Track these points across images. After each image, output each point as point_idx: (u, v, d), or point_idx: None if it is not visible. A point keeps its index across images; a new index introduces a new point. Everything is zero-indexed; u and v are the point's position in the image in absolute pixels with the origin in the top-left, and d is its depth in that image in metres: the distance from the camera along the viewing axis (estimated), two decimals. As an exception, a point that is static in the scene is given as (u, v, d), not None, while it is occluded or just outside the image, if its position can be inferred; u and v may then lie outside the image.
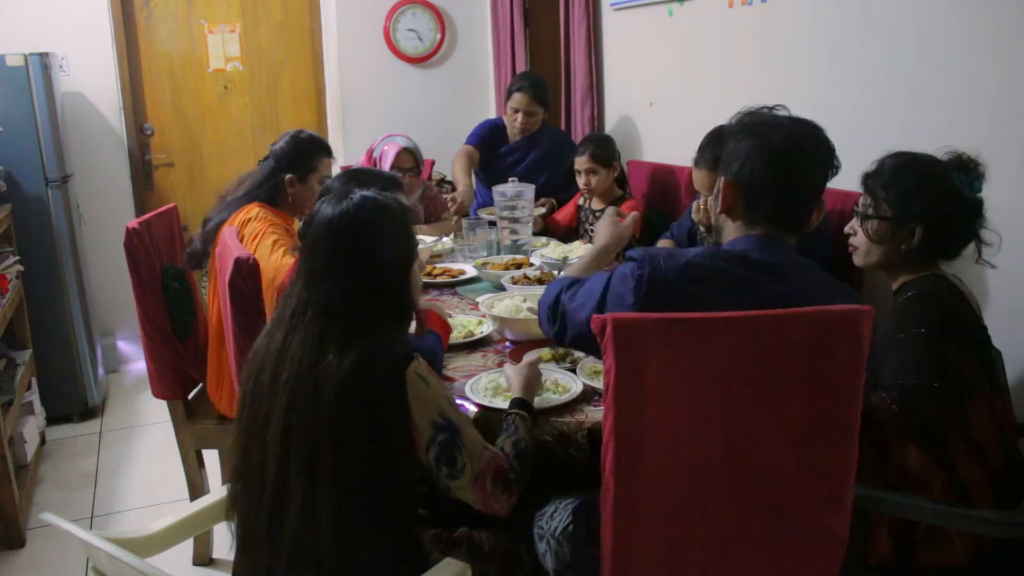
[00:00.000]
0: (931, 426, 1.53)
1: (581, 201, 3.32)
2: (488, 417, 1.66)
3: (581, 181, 3.14)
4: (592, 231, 3.14)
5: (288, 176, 2.29)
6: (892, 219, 1.66)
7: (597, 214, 3.22)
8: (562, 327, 1.48)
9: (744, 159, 1.38)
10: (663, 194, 3.20)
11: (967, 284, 1.72)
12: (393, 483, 1.34)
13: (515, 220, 2.83)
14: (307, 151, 2.33)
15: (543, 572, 1.53)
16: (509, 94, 3.45)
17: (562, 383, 1.73)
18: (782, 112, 1.44)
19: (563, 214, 3.34)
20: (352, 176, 1.92)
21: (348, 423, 1.28)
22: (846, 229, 1.79)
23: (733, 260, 1.34)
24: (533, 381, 1.63)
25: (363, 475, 1.30)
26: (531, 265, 2.52)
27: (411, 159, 3.06)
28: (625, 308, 1.30)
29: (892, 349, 1.57)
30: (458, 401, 1.70)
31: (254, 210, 2.24)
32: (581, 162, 3.12)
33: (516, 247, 2.84)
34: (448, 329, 1.93)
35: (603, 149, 3.12)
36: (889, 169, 1.69)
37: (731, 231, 1.43)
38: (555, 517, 1.53)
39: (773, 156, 1.36)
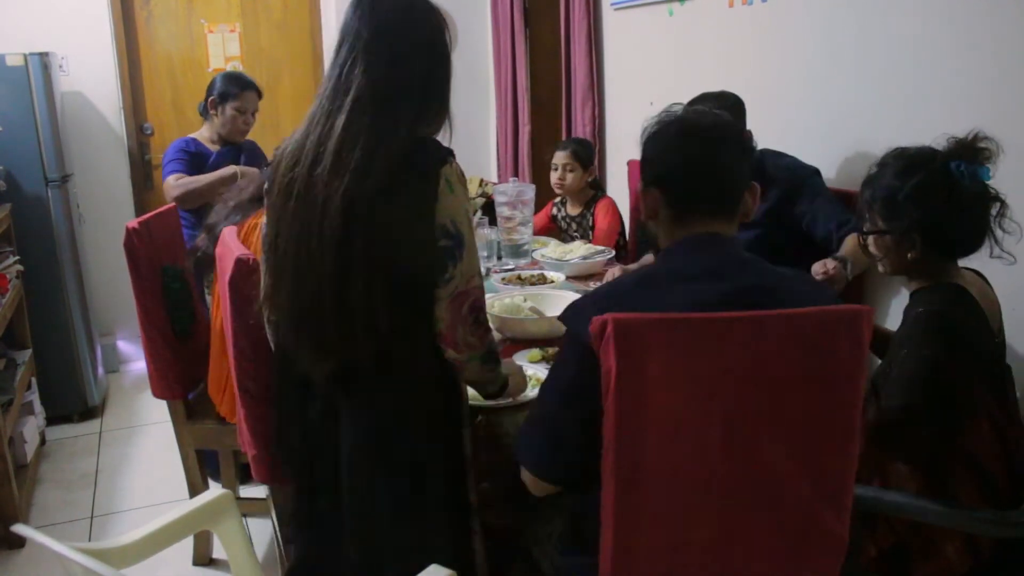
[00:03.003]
0: (921, 448, 1.50)
1: (554, 210, 3.32)
2: (489, 420, 1.66)
3: (555, 176, 3.17)
4: (575, 236, 3.15)
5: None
6: (886, 232, 1.60)
7: (576, 219, 3.23)
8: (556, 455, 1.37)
9: (650, 161, 1.37)
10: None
11: (991, 277, 1.65)
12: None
13: (515, 220, 2.83)
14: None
15: None
16: None
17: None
18: (676, 108, 1.41)
19: (536, 224, 3.26)
20: None
21: (389, 209, 1.35)
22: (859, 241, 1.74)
23: (671, 277, 1.29)
24: (521, 376, 1.69)
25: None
26: (552, 282, 2.51)
27: None
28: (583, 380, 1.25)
29: (895, 363, 1.54)
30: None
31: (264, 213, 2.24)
32: (560, 157, 3.15)
33: (517, 248, 2.83)
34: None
35: (584, 149, 3.18)
36: (877, 176, 1.61)
37: (663, 235, 1.39)
38: (551, 522, 1.53)
39: (673, 146, 1.34)
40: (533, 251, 2.88)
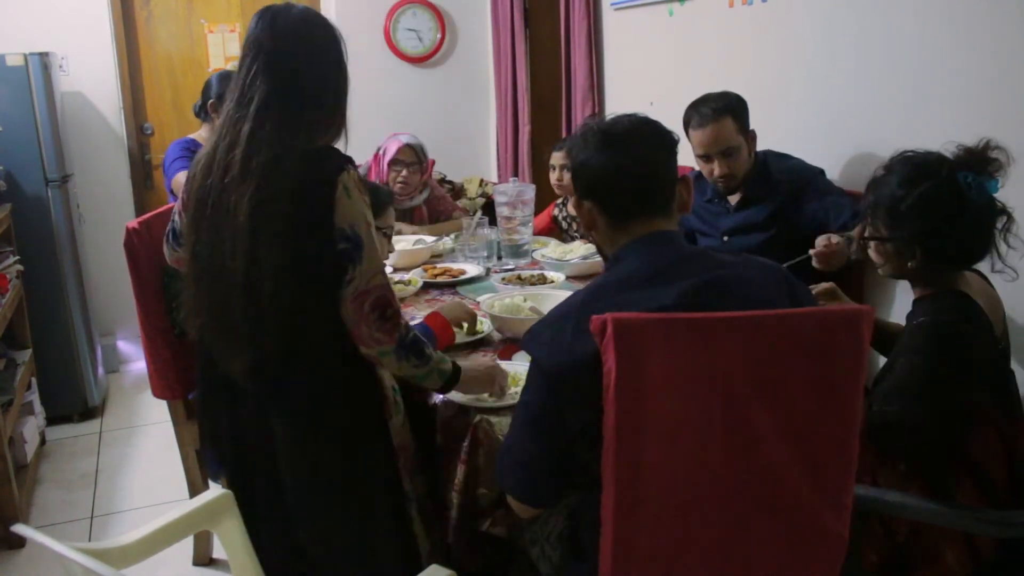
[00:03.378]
0: (918, 455, 1.49)
1: (556, 211, 3.31)
2: (486, 425, 1.66)
3: (554, 176, 3.16)
4: (575, 236, 3.15)
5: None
6: (888, 239, 1.57)
7: (577, 219, 3.21)
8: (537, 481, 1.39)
9: (577, 174, 1.39)
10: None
11: (995, 284, 1.63)
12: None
13: (515, 220, 2.82)
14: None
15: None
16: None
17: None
18: (591, 122, 1.43)
19: (537, 225, 3.25)
20: None
21: (291, 214, 1.43)
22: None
23: (619, 286, 1.30)
24: (486, 375, 1.70)
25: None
26: (552, 282, 2.51)
27: (412, 153, 3.08)
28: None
29: (893, 370, 1.53)
30: (458, 404, 1.70)
31: None
32: (558, 157, 3.13)
33: (517, 248, 2.83)
34: (448, 334, 1.91)
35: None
36: (881, 181, 1.57)
37: (607, 245, 1.41)
38: (548, 522, 1.53)
39: (594, 156, 1.36)
40: (533, 251, 2.88)
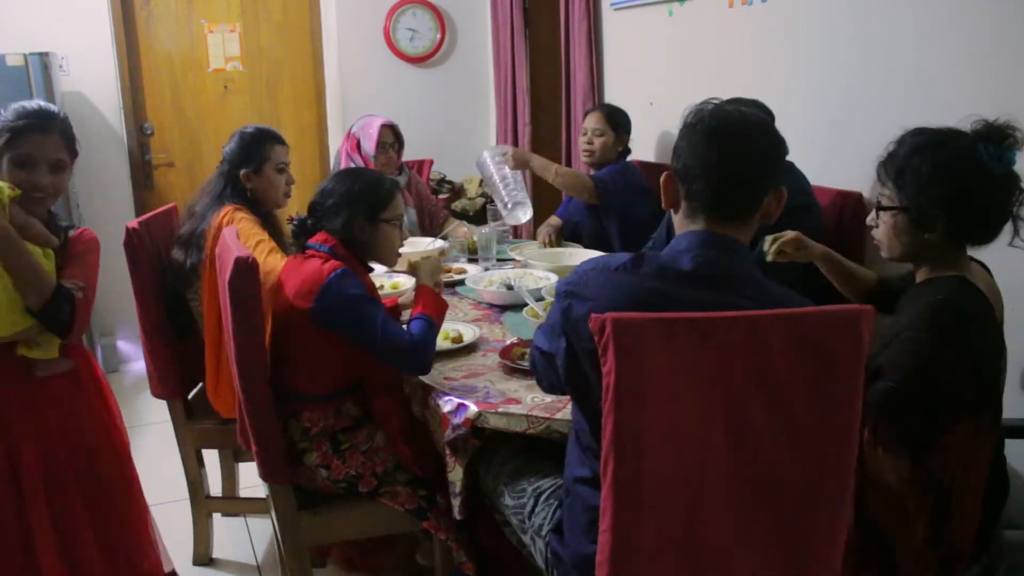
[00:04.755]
0: (911, 437, 1.45)
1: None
2: (487, 431, 1.66)
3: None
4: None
5: (244, 172, 2.32)
6: (910, 209, 1.51)
7: None
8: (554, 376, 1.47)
9: (679, 151, 1.35)
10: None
11: (996, 272, 1.61)
12: None
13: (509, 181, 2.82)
14: (254, 143, 2.36)
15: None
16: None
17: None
18: (711, 102, 1.37)
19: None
20: (345, 177, 1.95)
21: None
22: (868, 221, 1.65)
23: (658, 273, 1.29)
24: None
25: None
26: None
27: (392, 135, 3.09)
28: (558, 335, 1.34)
29: (893, 344, 1.48)
30: (457, 401, 1.70)
31: (229, 212, 2.26)
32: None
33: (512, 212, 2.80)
34: (442, 306, 1.94)
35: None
36: (904, 153, 1.53)
37: (678, 225, 1.38)
38: (537, 514, 1.54)
39: (703, 141, 1.31)
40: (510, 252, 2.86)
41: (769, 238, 1.86)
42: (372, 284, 1.95)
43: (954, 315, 1.46)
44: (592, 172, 3.06)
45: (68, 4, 3.85)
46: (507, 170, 2.98)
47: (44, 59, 3.31)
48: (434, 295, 1.94)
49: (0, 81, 3.20)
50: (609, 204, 2.91)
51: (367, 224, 1.90)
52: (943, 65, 2.11)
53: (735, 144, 1.30)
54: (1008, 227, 1.51)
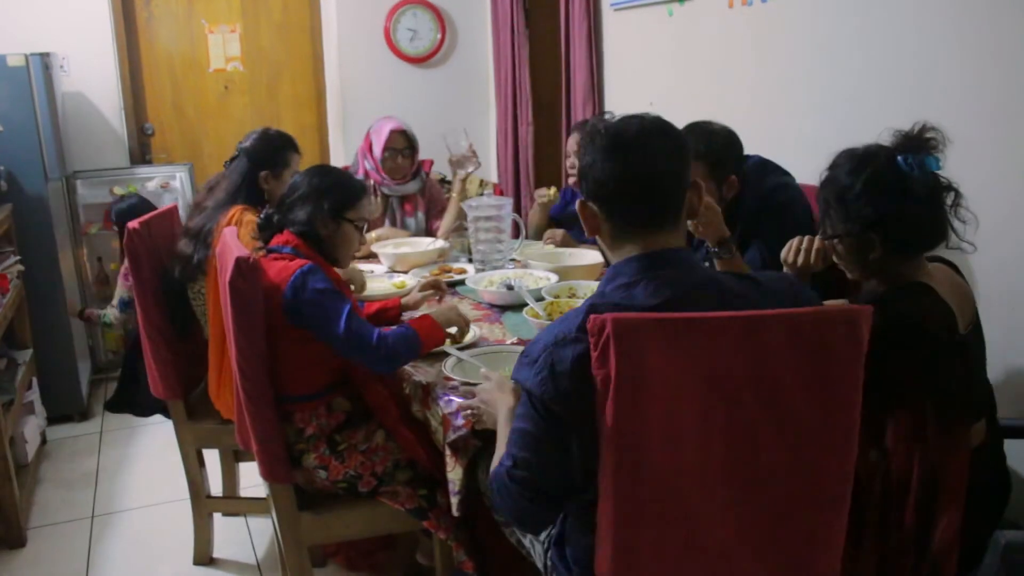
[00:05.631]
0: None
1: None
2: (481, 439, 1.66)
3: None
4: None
5: (264, 173, 2.32)
6: (845, 235, 1.54)
7: None
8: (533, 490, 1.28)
9: (583, 174, 1.30)
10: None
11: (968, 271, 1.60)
12: None
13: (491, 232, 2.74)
14: (280, 147, 2.36)
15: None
16: None
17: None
18: (607, 117, 1.35)
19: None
20: (316, 172, 1.96)
21: None
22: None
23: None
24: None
25: None
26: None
27: (403, 140, 3.06)
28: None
29: None
30: (458, 401, 1.70)
31: (238, 212, 2.25)
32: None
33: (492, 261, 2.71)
34: (437, 336, 1.89)
35: None
36: (828, 179, 1.57)
37: (610, 253, 1.33)
38: None
39: (601, 158, 1.26)
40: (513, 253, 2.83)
41: (795, 244, 1.74)
42: (340, 278, 1.95)
43: (890, 306, 1.44)
44: (567, 193, 3.12)
45: (69, 4, 3.86)
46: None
47: (45, 59, 3.31)
48: (436, 327, 1.89)
49: (1, 81, 3.20)
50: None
51: (330, 220, 1.90)
52: (945, 64, 2.12)
53: (639, 149, 1.26)
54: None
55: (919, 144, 1.52)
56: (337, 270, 1.96)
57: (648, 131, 1.27)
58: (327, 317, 1.78)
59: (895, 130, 1.56)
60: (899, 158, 1.51)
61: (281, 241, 1.91)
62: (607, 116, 1.36)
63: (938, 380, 1.44)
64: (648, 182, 1.26)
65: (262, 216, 1.97)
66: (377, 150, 3.04)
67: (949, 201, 1.53)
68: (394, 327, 1.87)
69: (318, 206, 1.89)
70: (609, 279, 1.29)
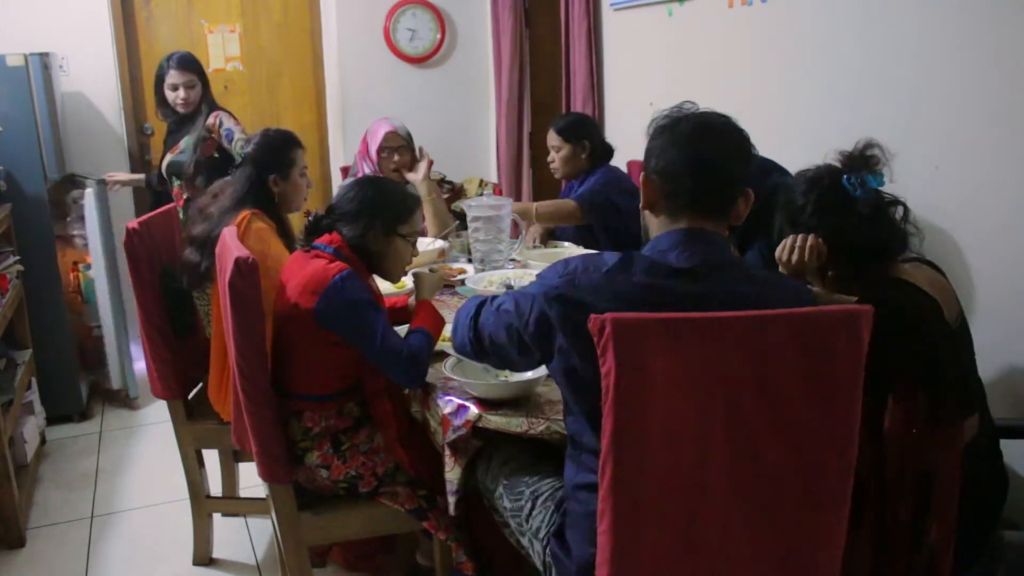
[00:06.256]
0: None
1: None
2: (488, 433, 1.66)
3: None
4: None
5: (272, 176, 2.30)
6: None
7: None
8: (477, 349, 1.58)
9: (658, 152, 1.39)
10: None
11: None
12: None
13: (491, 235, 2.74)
14: (282, 147, 2.34)
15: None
16: None
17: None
18: (690, 107, 1.44)
19: None
20: (369, 185, 1.95)
21: None
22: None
23: (649, 269, 1.31)
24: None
25: None
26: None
27: (398, 139, 3.03)
28: (550, 334, 1.35)
29: None
30: (458, 402, 1.70)
31: (247, 217, 2.24)
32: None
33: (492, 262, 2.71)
34: (440, 322, 1.93)
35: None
36: (784, 204, 1.66)
37: (655, 226, 1.41)
38: (535, 516, 1.54)
39: (683, 141, 1.36)
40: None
41: (790, 242, 1.73)
42: (377, 290, 1.94)
43: (881, 304, 1.41)
44: (573, 186, 3.07)
45: (68, 4, 3.86)
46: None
47: (44, 59, 3.31)
48: (433, 310, 1.94)
49: (0, 81, 3.20)
50: (599, 219, 2.91)
51: (383, 236, 1.89)
52: (945, 64, 2.12)
53: (718, 142, 1.36)
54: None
55: (861, 163, 1.60)
56: None
57: (728, 128, 1.39)
58: (363, 329, 1.78)
59: (839, 151, 1.63)
60: (844, 178, 1.59)
61: (326, 240, 1.89)
62: (687, 106, 1.43)
63: (935, 369, 1.46)
64: (716, 174, 1.36)
65: (309, 220, 1.96)
66: (373, 150, 3.04)
67: (899, 214, 1.60)
68: (408, 334, 1.86)
69: (371, 223, 1.87)
70: (651, 247, 1.38)
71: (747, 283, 1.32)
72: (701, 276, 1.30)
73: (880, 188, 1.59)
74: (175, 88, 3.29)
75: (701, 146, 1.35)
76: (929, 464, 1.43)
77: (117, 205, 4.04)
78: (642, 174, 1.42)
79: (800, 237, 1.71)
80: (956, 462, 1.44)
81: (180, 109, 3.32)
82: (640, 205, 1.43)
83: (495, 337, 1.50)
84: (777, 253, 1.75)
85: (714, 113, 1.41)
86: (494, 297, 1.55)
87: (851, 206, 1.57)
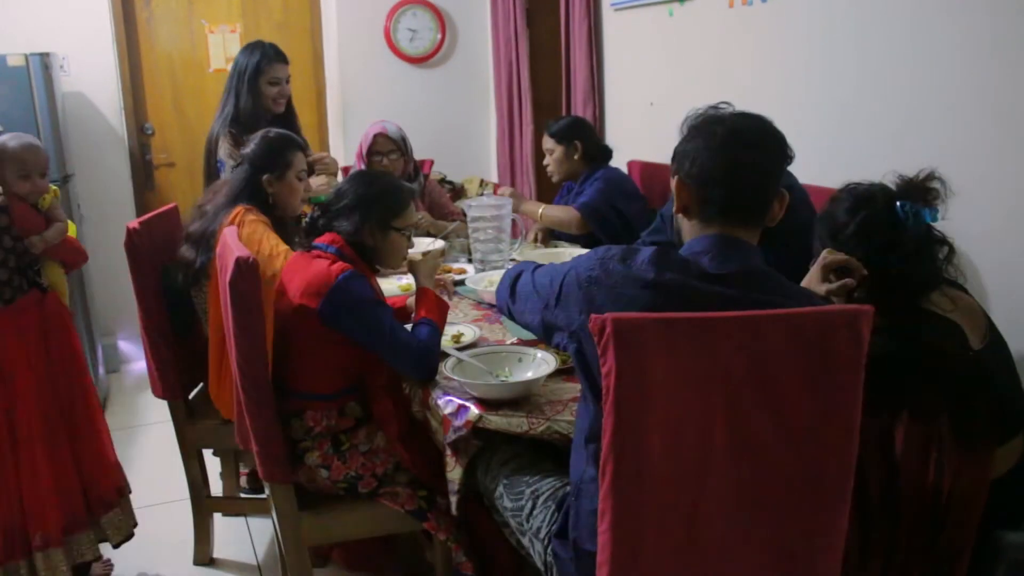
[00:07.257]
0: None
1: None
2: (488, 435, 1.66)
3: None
4: None
5: (266, 177, 2.30)
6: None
7: None
8: (510, 312, 1.61)
9: (692, 156, 1.36)
10: (663, 194, 3.20)
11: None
12: None
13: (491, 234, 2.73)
14: (280, 149, 2.34)
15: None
16: None
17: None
18: (725, 108, 1.41)
19: None
20: (362, 180, 1.95)
21: None
22: None
23: (682, 267, 1.30)
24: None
25: None
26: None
27: (388, 143, 3.02)
28: (572, 312, 1.34)
29: None
30: (458, 402, 1.70)
31: (241, 212, 2.24)
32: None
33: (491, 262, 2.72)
34: (444, 308, 1.94)
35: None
36: (827, 213, 1.60)
37: (688, 231, 1.40)
38: (535, 516, 1.54)
39: (718, 147, 1.33)
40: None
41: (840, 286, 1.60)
42: (379, 287, 1.95)
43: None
44: (571, 186, 3.08)
45: (69, 4, 3.86)
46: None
47: (45, 59, 3.31)
48: (435, 298, 1.94)
49: (1, 81, 3.20)
50: (601, 228, 2.91)
51: (378, 230, 1.90)
52: (945, 64, 2.12)
53: (753, 150, 1.33)
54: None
55: (919, 192, 1.52)
56: None
57: (765, 132, 1.36)
58: (371, 326, 1.79)
59: (899, 174, 1.55)
60: (898, 204, 1.51)
61: (327, 240, 1.90)
62: (723, 107, 1.41)
63: (955, 395, 1.43)
64: (752, 180, 1.34)
65: (307, 220, 1.97)
66: (364, 153, 3.05)
67: (942, 255, 1.53)
68: (414, 326, 1.87)
69: (365, 217, 1.88)
70: (686, 248, 1.37)
71: (775, 293, 1.30)
72: (733, 282, 1.29)
73: (932, 224, 1.52)
74: (275, 83, 2.84)
75: (736, 153, 1.32)
76: (952, 489, 1.40)
77: (118, 204, 4.05)
78: (674, 177, 1.39)
79: (849, 281, 1.58)
80: (981, 489, 1.42)
81: (276, 109, 2.88)
82: (675, 208, 1.41)
83: (525, 303, 1.50)
84: (815, 271, 1.62)
85: (750, 116, 1.37)
86: (540, 266, 1.55)
87: (897, 236, 1.50)
